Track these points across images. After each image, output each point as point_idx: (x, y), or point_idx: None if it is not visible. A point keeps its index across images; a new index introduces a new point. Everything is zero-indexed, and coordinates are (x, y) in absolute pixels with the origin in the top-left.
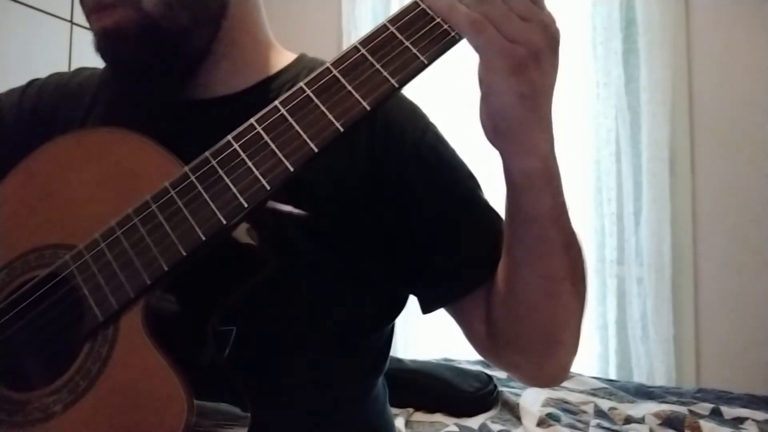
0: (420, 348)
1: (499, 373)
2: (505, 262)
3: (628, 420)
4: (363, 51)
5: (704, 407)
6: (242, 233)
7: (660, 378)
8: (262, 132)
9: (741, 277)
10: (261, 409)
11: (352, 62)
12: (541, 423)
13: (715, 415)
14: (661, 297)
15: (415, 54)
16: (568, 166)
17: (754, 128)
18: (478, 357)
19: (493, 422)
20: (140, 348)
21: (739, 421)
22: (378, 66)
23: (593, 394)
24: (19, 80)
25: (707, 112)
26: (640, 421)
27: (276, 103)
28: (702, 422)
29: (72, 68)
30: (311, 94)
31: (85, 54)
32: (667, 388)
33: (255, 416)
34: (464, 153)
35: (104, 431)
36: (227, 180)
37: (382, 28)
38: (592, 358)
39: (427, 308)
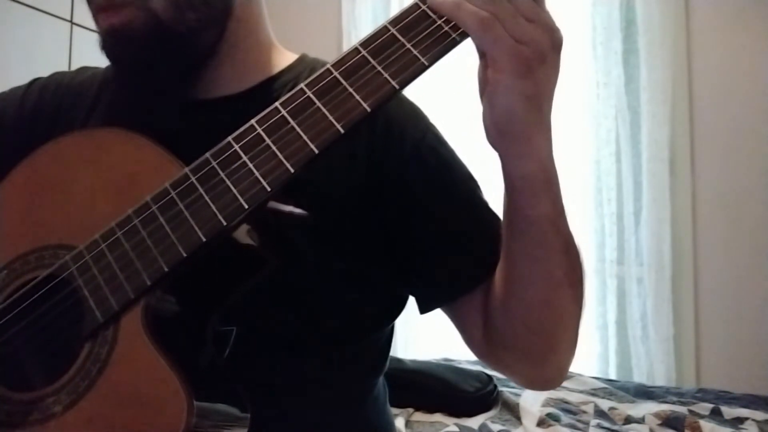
0: (420, 348)
1: (499, 374)
2: (503, 264)
3: (628, 420)
4: (364, 52)
5: (704, 407)
6: (243, 234)
7: (660, 378)
8: (262, 133)
9: (741, 277)
10: (261, 409)
11: (352, 64)
12: (541, 423)
13: (715, 415)
14: (661, 297)
15: (415, 56)
16: (568, 166)
17: (754, 128)
18: None
19: (493, 422)
20: (140, 349)
21: (739, 421)
22: (379, 68)
23: (593, 394)
24: (20, 80)
25: (707, 112)
26: (640, 421)
27: (277, 104)
28: (702, 422)
29: (72, 68)
30: (312, 96)
31: (85, 54)
32: (667, 388)
33: (255, 417)
34: (464, 155)
35: None
36: (228, 181)
37: (383, 30)
38: (592, 358)
39: (424, 308)
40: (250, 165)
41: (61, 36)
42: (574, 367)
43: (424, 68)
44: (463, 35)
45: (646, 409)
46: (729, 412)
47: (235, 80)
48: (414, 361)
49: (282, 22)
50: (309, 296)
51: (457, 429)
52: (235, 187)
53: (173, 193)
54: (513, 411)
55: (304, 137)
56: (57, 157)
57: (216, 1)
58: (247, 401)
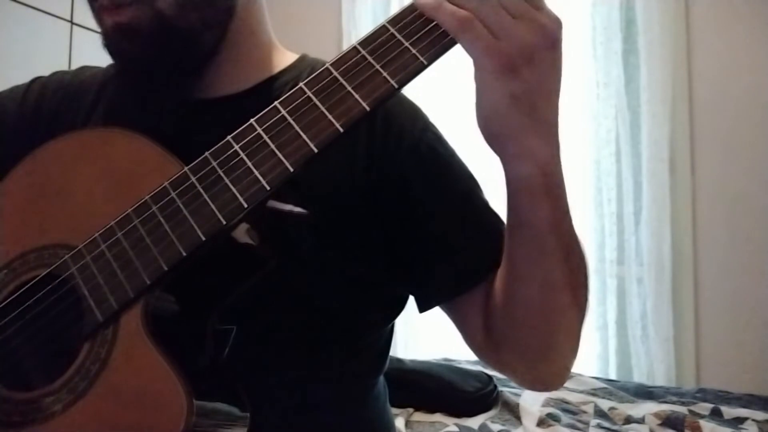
0: (420, 348)
1: (499, 373)
2: (504, 265)
3: (628, 420)
4: (363, 52)
5: (704, 407)
6: (242, 233)
7: (660, 378)
8: (262, 132)
9: (741, 277)
10: (260, 409)
11: (351, 63)
12: (541, 423)
13: (715, 415)
14: (661, 297)
15: (414, 55)
16: (568, 166)
17: (754, 128)
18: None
19: (493, 422)
20: (140, 348)
21: (739, 421)
22: (378, 67)
23: (593, 394)
24: (20, 80)
25: (707, 112)
26: (640, 421)
27: (276, 103)
28: (702, 422)
29: (72, 68)
30: (311, 95)
31: (85, 54)
32: (667, 388)
33: (254, 416)
34: (465, 154)
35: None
36: (227, 180)
37: (382, 29)
38: (592, 358)
39: (423, 306)
40: (249, 164)
41: (61, 36)
42: (574, 367)
43: (423, 67)
44: None
45: (646, 409)
46: (729, 412)
47: (235, 80)
48: (414, 361)
49: (282, 22)
50: (308, 295)
51: (457, 429)
52: (234, 186)
53: (173, 193)
54: (513, 411)
55: (304, 136)
56: (57, 157)
57: (219, 2)
58: (246, 400)
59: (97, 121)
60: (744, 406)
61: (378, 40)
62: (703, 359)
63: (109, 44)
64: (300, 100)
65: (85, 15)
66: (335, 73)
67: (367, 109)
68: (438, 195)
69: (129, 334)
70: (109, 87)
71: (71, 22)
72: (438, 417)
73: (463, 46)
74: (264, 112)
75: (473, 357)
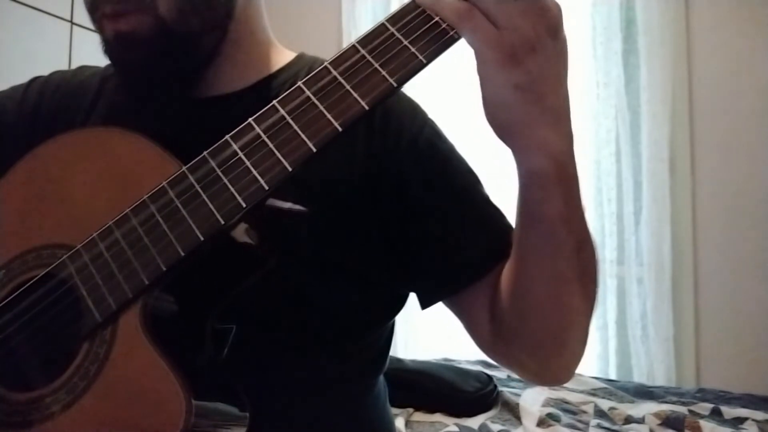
0: (420, 348)
1: (499, 373)
2: (513, 258)
3: (628, 420)
4: (362, 50)
5: (704, 407)
6: (241, 232)
7: (660, 378)
8: (260, 131)
9: (741, 277)
10: (260, 408)
11: (350, 62)
12: (541, 423)
13: (715, 415)
14: (661, 297)
15: (413, 53)
16: None
17: (754, 128)
18: (478, 357)
19: (493, 422)
20: (139, 348)
21: (739, 421)
22: (376, 65)
23: (593, 394)
24: (20, 80)
25: (707, 112)
26: (640, 421)
27: (274, 102)
28: (702, 422)
29: (72, 68)
30: (310, 94)
31: (85, 54)
32: (667, 388)
33: (254, 416)
34: (467, 151)
35: None
36: (225, 180)
37: (381, 28)
38: (592, 358)
39: (425, 302)
40: (248, 163)
41: (61, 36)
42: None
43: (422, 66)
44: None
45: (646, 409)
46: (729, 412)
47: (233, 79)
48: (414, 361)
49: (282, 22)
50: (308, 294)
51: (457, 429)
52: (232, 186)
53: (171, 192)
54: (513, 411)
55: (302, 135)
56: (56, 156)
57: (219, 5)
58: (245, 400)
59: (96, 120)
60: (744, 406)
61: (377, 39)
62: (703, 359)
63: (111, 52)
64: (299, 100)
65: (85, 15)
66: (334, 72)
67: (366, 108)
68: (437, 190)
69: (128, 334)
70: (109, 86)
71: (71, 22)
72: (438, 417)
73: (465, 38)
74: (262, 111)
75: (473, 357)
